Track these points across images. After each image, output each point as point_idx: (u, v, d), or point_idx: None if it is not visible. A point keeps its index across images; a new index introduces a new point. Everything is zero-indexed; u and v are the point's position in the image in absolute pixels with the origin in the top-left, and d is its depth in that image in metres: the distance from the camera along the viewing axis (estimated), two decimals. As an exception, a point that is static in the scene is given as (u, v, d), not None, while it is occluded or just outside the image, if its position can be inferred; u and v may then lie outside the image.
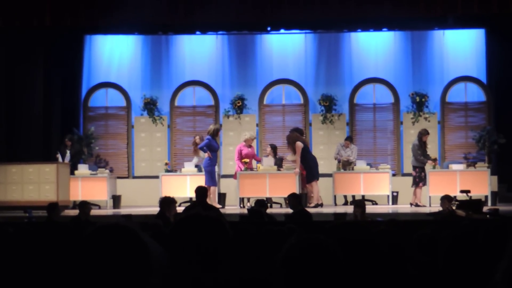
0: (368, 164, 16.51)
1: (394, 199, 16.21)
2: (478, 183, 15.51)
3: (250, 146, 16.21)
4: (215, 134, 15.61)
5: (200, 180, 15.22)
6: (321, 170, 16.11)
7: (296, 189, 14.93)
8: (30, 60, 17.05)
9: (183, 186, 16.15)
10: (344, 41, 18.42)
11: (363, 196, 16.03)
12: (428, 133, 15.99)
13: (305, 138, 16.68)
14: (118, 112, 18.39)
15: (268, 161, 15.95)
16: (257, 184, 15.69)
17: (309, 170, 15.59)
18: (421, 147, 15.82)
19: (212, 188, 15.11)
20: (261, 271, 3.46)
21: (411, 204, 15.62)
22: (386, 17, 16.30)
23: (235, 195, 16.01)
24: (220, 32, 18.47)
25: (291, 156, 15.79)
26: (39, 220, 11.42)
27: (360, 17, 15.99)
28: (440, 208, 11.57)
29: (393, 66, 18.23)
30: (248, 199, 15.85)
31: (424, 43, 18.27)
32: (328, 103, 17.89)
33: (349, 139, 16.95)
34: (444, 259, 3.26)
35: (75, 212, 12.73)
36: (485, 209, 12.21)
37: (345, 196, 16.68)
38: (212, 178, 15.33)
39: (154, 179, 16.81)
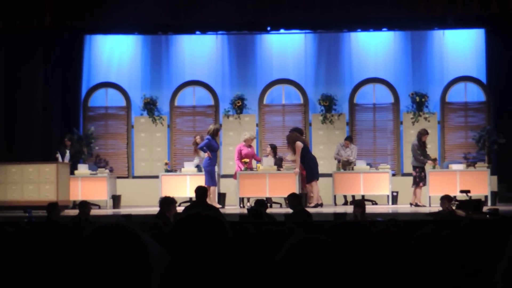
0: (368, 164, 16.51)
1: (394, 199, 16.21)
2: (478, 183, 15.51)
3: (250, 146, 16.21)
4: (215, 134, 15.61)
5: (200, 180, 15.22)
6: (321, 170, 16.11)
7: (296, 189, 14.93)
8: (30, 60, 17.05)
9: (183, 186, 16.15)
10: (344, 41, 18.42)
11: (363, 196, 16.03)
12: (427, 133, 15.99)
13: (305, 138, 16.68)
14: (118, 112, 18.39)
15: (268, 161, 15.95)
16: (257, 184, 15.69)
17: (309, 170, 15.59)
18: (420, 147, 15.82)
19: (212, 188, 15.12)
20: (261, 271, 3.47)
21: (411, 204, 15.62)
22: (386, 17, 16.29)
23: (235, 195, 16.01)
24: (220, 32, 18.47)
25: (291, 156, 15.79)
26: (39, 220, 11.42)
27: (360, 17, 15.98)
28: (440, 208, 11.57)
29: (393, 66, 18.23)
30: (248, 199, 15.85)
31: (424, 43, 18.27)
32: (328, 103, 17.89)
33: (349, 139, 16.95)
34: (444, 259, 3.26)
35: (75, 212, 12.73)
36: (485, 209, 12.21)
37: (345, 196, 16.68)
38: (212, 178, 15.33)
39: (154, 179, 16.81)
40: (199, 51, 18.51)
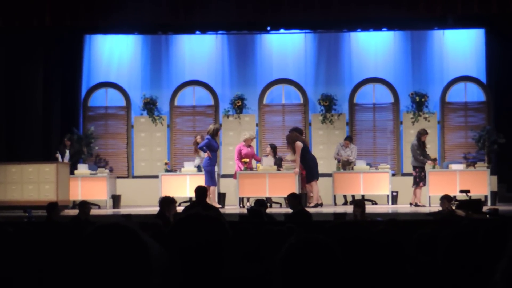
0: (367, 164, 16.51)
1: (394, 199, 16.21)
2: (478, 183, 15.51)
3: (249, 146, 16.21)
4: (214, 134, 15.61)
5: (200, 180, 15.23)
6: (321, 170, 16.11)
7: (295, 189, 14.93)
8: (30, 60, 17.05)
9: (183, 186, 16.15)
10: (344, 41, 18.42)
11: (362, 196, 16.03)
12: (426, 133, 15.99)
13: (304, 138, 16.68)
14: (118, 112, 18.39)
15: (268, 161, 15.95)
16: (257, 184, 15.69)
17: (309, 170, 15.59)
18: (420, 147, 15.82)
19: (211, 187, 15.12)
20: (261, 271, 3.46)
21: (411, 204, 15.62)
22: (386, 17, 16.29)
23: (235, 195, 16.01)
24: (220, 32, 18.47)
25: (291, 156, 15.79)
26: (39, 220, 11.42)
27: (360, 17, 15.98)
28: (440, 208, 11.58)
29: (393, 66, 18.23)
30: (248, 199, 15.85)
31: (424, 43, 18.27)
32: (328, 103, 17.89)
33: (349, 139, 16.95)
34: (444, 259, 3.26)
35: (74, 211, 12.73)
36: (484, 209, 12.21)
37: (344, 196, 16.68)
38: (211, 178, 15.33)
39: (154, 179, 16.81)
40: (199, 51, 18.51)
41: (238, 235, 4.94)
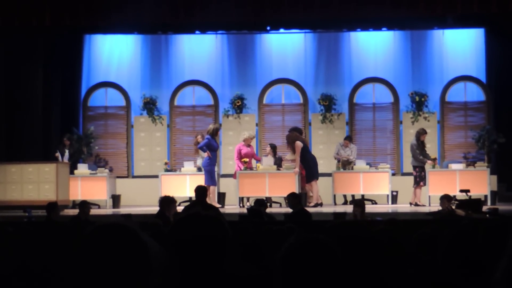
0: (367, 164, 16.51)
1: (394, 198, 16.21)
2: (478, 183, 15.51)
3: (249, 146, 16.21)
4: (214, 133, 15.61)
5: (200, 179, 15.23)
6: (321, 169, 16.11)
7: (295, 189, 14.93)
8: (30, 60, 17.04)
9: (183, 185, 16.15)
10: (343, 40, 18.42)
11: (362, 196, 16.03)
12: (426, 133, 15.99)
13: (304, 137, 16.68)
14: (118, 112, 18.39)
15: (268, 161, 15.95)
16: (257, 183, 15.69)
17: (309, 169, 15.59)
18: (419, 146, 15.82)
19: (211, 187, 15.12)
20: (261, 271, 3.46)
21: (411, 204, 15.62)
22: (386, 17, 16.28)
23: (235, 195, 16.00)
24: (220, 32, 18.47)
25: (291, 155, 15.79)
26: (39, 220, 11.42)
27: (360, 16, 15.96)
28: (440, 208, 11.58)
29: (393, 65, 18.23)
30: (248, 199, 15.85)
31: (423, 43, 18.27)
32: (328, 103, 17.88)
33: (349, 138, 16.95)
34: (444, 258, 3.26)
35: (74, 211, 12.74)
36: (484, 208, 12.21)
37: (344, 196, 16.68)
38: (211, 178, 15.33)
39: (154, 179, 16.81)
40: (199, 51, 18.51)
41: (238, 235, 4.94)
